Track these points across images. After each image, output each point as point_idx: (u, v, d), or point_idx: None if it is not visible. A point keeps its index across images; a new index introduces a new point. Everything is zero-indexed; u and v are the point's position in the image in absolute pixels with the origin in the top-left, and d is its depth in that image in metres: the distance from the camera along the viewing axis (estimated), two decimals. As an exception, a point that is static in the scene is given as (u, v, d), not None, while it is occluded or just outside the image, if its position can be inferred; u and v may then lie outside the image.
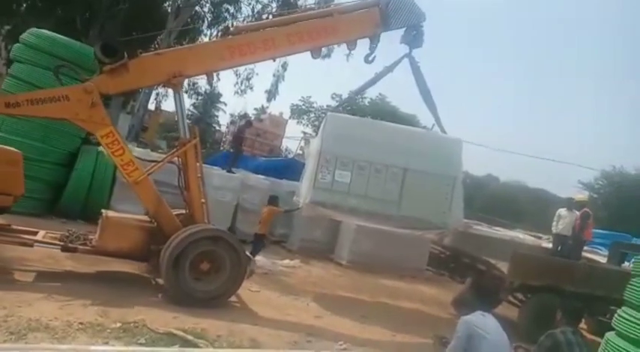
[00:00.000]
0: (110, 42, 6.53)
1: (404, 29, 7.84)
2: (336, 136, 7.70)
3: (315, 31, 7.19)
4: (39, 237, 6.57)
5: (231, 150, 15.34)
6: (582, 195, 11.32)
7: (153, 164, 6.92)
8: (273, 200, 9.66)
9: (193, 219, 6.77)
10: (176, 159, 7.10)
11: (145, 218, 6.98)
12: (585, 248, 10.63)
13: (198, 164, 6.96)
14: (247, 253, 7.16)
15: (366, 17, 7.54)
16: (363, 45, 7.60)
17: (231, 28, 7.13)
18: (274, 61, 7.25)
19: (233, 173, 12.43)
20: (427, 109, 8.36)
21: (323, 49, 7.51)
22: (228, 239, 6.61)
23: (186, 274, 6.24)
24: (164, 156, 11.91)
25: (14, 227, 6.64)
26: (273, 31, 7.15)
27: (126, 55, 6.33)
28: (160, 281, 6.67)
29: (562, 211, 10.08)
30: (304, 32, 7.14)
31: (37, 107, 6.12)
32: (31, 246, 6.38)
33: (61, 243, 6.50)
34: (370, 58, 7.72)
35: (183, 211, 7.02)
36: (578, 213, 9.87)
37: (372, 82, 8.64)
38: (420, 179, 7.66)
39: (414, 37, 7.92)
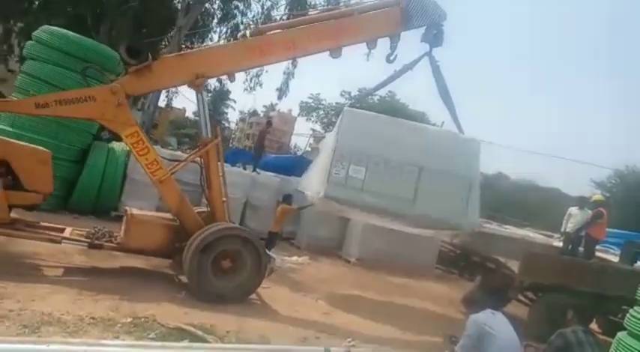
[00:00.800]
0: (135, 44, 6.75)
1: (424, 27, 7.81)
2: (352, 132, 7.63)
3: (335, 31, 7.22)
4: (66, 233, 6.73)
5: (252, 150, 15.83)
6: (598, 195, 11.09)
7: (176, 163, 7.04)
8: (287, 198, 9.69)
9: (214, 218, 6.86)
10: (198, 158, 7.18)
11: (168, 216, 7.06)
12: (598, 247, 10.49)
13: (219, 163, 7.04)
14: (268, 252, 7.23)
15: (386, 17, 7.54)
16: (382, 43, 7.61)
17: (252, 29, 7.11)
18: (293, 60, 7.22)
19: (258, 173, 12.84)
20: (446, 108, 8.28)
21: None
22: (251, 238, 6.70)
23: (209, 271, 6.33)
24: (175, 152, 12.04)
25: (42, 224, 6.81)
26: (294, 32, 7.17)
27: (150, 56, 6.46)
28: (183, 278, 6.77)
29: (573, 210, 9.94)
30: (324, 32, 7.19)
31: (65, 107, 6.30)
32: (59, 242, 6.53)
33: (88, 240, 6.64)
34: (392, 58, 7.76)
35: (205, 209, 7.12)
36: (590, 212, 9.73)
37: (391, 80, 8.55)
38: (436, 178, 7.54)
39: (434, 36, 7.88)
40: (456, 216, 7.60)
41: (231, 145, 49.43)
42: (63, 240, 6.56)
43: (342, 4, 7.59)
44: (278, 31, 7.32)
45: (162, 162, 6.72)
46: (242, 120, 67.68)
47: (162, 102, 28.52)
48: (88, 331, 4.64)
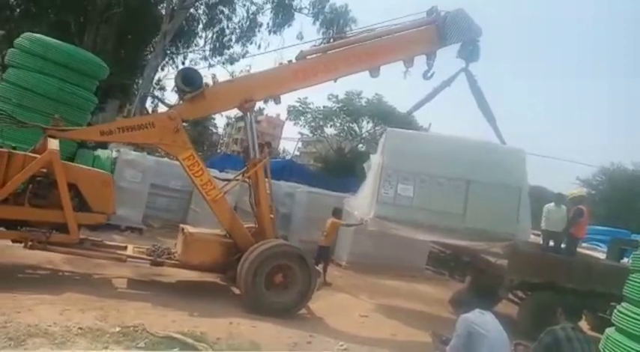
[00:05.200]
0: (189, 72, 7.07)
1: (460, 43, 8.06)
2: (396, 151, 7.79)
3: (372, 51, 7.56)
4: (129, 251, 7.04)
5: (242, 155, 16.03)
6: (577, 190, 10.85)
7: (226, 183, 7.47)
8: (336, 212, 9.82)
9: (263, 234, 7.15)
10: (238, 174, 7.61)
11: (220, 232, 7.41)
12: (584, 244, 10.46)
13: (267, 181, 7.38)
14: (317, 267, 7.52)
15: (422, 35, 7.82)
16: (419, 60, 7.89)
17: (297, 54, 7.50)
18: (335, 81, 7.77)
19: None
20: (486, 121, 8.47)
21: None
22: (301, 254, 6.93)
23: (263, 285, 6.59)
24: (164, 159, 11.99)
25: (106, 242, 7.19)
26: (334, 55, 7.51)
27: (204, 83, 6.89)
28: (235, 290, 7.12)
29: (550, 206, 9.65)
30: (363, 53, 7.53)
31: (127, 134, 6.72)
32: (125, 261, 6.80)
33: (151, 258, 6.94)
34: (428, 75, 8.00)
35: (253, 225, 7.40)
36: (565, 208, 9.58)
37: (431, 97, 8.72)
38: (485, 191, 7.63)
39: (470, 52, 8.13)
40: (508, 226, 7.68)
41: (219, 150, 49.12)
42: (128, 259, 6.82)
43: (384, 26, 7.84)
44: (320, 54, 7.62)
45: (215, 182, 7.06)
46: (229, 125, 67.39)
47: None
48: (75, 342, 4.56)
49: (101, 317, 5.27)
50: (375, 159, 8.26)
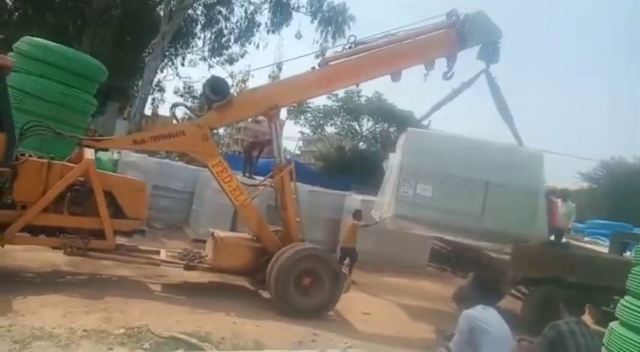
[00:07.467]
0: (217, 81, 7.25)
1: (480, 45, 8.13)
2: (416, 151, 7.83)
3: (394, 56, 7.69)
4: (162, 256, 7.23)
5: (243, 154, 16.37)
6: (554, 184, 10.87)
7: (252, 188, 7.79)
8: (356, 214, 9.97)
9: (290, 238, 7.27)
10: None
11: (248, 236, 7.62)
12: (586, 238, 10.44)
13: (293, 186, 7.50)
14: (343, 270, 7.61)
15: (442, 38, 7.90)
16: (439, 61, 7.99)
17: (320, 60, 7.64)
18: (357, 86, 7.93)
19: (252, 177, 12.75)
20: (504, 123, 8.51)
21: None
22: (328, 257, 7.20)
23: (292, 288, 6.70)
24: (166, 161, 11.99)
25: (140, 247, 7.30)
26: (356, 60, 7.63)
27: (231, 92, 7.07)
28: (264, 293, 7.22)
29: (557, 203, 9.80)
30: (384, 58, 7.65)
31: (159, 143, 6.96)
32: (158, 265, 7.06)
33: (184, 262, 7.11)
34: (448, 75, 8.09)
35: (279, 228, 7.54)
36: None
37: (450, 98, 8.77)
38: (502, 192, 7.68)
39: (490, 53, 8.17)
40: (524, 227, 7.75)
41: (220, 151, 49.11)
42: (162, 263, 7.04)
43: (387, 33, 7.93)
44: (343, 60, 7.69)
45: (243, 188, 7.25)
46: (230, 125, 67.43)
47: (148, 111, 28.30)
48: (80, 344, 4.57)
49: (105, 318, 5.29)
50: (395, 158, 8.30)
